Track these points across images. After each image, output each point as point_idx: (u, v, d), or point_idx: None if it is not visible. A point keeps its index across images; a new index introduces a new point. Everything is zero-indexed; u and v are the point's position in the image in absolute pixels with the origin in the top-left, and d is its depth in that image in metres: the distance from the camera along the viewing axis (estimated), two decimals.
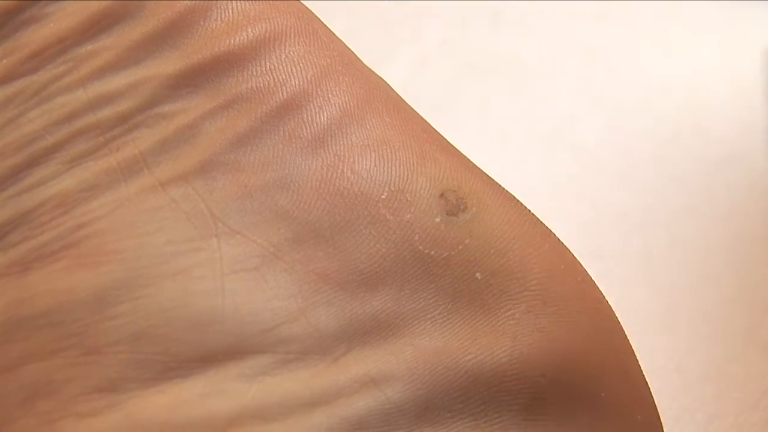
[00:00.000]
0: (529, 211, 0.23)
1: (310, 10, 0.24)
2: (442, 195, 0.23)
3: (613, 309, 0.24)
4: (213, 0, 0.23)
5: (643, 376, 0.24)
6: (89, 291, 0.22)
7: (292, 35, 0.23)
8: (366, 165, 0.22)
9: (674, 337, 0.33)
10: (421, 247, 0.22)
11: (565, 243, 0.24)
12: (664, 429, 0.24)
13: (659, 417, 0.24)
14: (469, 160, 0.24)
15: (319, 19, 0.24)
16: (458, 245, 0.22)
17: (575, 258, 0.24)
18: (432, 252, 0.22)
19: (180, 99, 0.23)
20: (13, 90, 0.23)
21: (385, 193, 0.22)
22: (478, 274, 0.22)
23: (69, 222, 0.22)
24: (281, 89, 0.23)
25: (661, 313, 0.34)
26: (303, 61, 0.23)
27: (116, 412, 0.21)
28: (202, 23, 0.23)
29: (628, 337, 0.24)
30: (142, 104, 0.22)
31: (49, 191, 0.22)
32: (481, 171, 0.24)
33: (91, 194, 0.22)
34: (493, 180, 0.23)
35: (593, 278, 0.24)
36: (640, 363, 0.24)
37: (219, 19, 0.23)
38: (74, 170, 0.22)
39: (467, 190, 0.23)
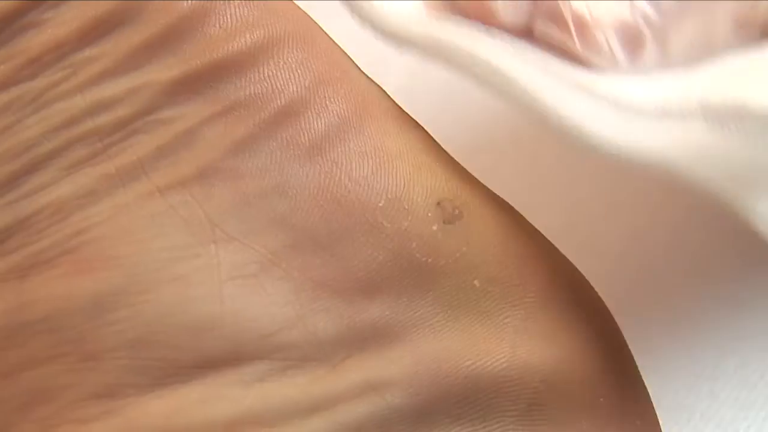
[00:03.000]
0: (525, 218, 0.24)
1: (309, 16, 0.24)
2: (438, 204, 0.23)
3: (612, 311, 0.24)
4: (211, 5, 0.23)
5: (642, 380, 0.24)
6: (87, 297, 0.22)
7: (290, 42, 0.23)
8: (363, 173, 0.22)
9: (673, 339, 0.33)
10: (418, 255, 0.22)
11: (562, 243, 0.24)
12: (663, 431, 0.24)
13: (658, 421, 0.24)
14: (464, 169, 0.24)
15: (318, 25, 0.24)
16: (455, 253, 0.22)
17: (572, 264, 0.24)
18: (429, 260, 0.22)
19: (178, 105, 0.22)
20: (11, 96, 0.22)
21: (382, 202, 0.22)
22: (476, 282, 0.22)
23: (67, 228, 0.22)
24: (279, 96, 0.22)
25: (660, 314, 0.34)
26: (301, 67, 0.23)
27: (114, 418, 0.21)
28: (200, 29, 0.23)
29: (627, 340, 0.24)
30: (140, 110, 0.22)
31: (47, 197, 0.22)
32: (477, 180, 0.24)
33: (89, 200, 0.22)
34: (488, 188, 0.24)
35: (591, 280, 0.24)
36: (638, 366, 0.24)
37: (217, 25, 0.23)
38: (72, 176, 0.22)
39: (463, 199, 0.23)
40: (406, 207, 0.22)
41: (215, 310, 0.22)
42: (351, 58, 0.24)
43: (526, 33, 0.23)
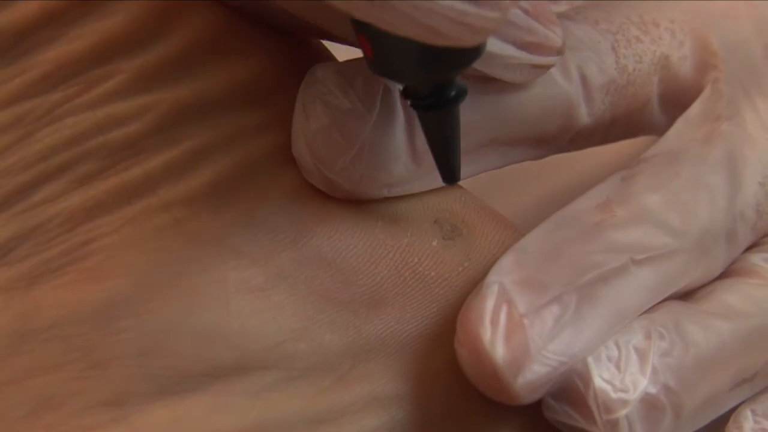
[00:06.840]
0: (522, 233, 0.24)
1: (329, 50, 0.24)
2: (435, 221, 0.23)
3: None
4: (229, 32, 0.23)
5: None
6: (95, 305, 0.22)
7: (305, 71, 0.23)
8: None
9: None
10: (421, 269, 0.23)
11: None
12: None
13: None
14: (462, 187, 0.24)
15: (330, 53, 0.24)
16: (458, 267, 0.23)
17: None
18: (432, 273, 0.23)
19: (188, 124, 0.23)
20: (25, 109, 0.23)
21: (380, 221, 0.23)
22: None
23: (75, 238, 0.22)
24: (286, 123, 0.23)
25: None
26: None
27: (121, 426, 0.21)
28: (214, 54, 0.23)
29: None
30: (150, 128, 0.23)
31: (56, 208, 0.22)
32: (476, 197, 0.24)
33: (97, 212, 0.22)
34: (485, 204, 0.24)
35: None
36: None
37: (233, 50, 0.23)
38: (81, 189, 0.23)
39: (461, 217, 0.24)
40: (404, 225, 0.23)
41: (222, 320, 0.22)
42: None
43: None
